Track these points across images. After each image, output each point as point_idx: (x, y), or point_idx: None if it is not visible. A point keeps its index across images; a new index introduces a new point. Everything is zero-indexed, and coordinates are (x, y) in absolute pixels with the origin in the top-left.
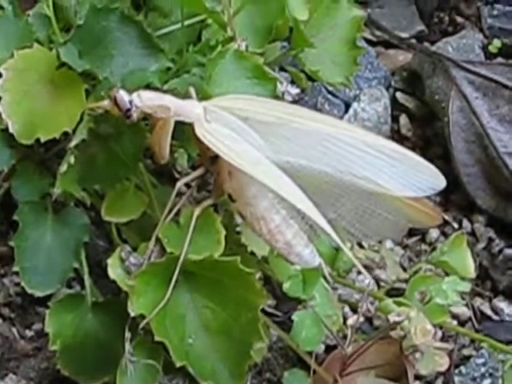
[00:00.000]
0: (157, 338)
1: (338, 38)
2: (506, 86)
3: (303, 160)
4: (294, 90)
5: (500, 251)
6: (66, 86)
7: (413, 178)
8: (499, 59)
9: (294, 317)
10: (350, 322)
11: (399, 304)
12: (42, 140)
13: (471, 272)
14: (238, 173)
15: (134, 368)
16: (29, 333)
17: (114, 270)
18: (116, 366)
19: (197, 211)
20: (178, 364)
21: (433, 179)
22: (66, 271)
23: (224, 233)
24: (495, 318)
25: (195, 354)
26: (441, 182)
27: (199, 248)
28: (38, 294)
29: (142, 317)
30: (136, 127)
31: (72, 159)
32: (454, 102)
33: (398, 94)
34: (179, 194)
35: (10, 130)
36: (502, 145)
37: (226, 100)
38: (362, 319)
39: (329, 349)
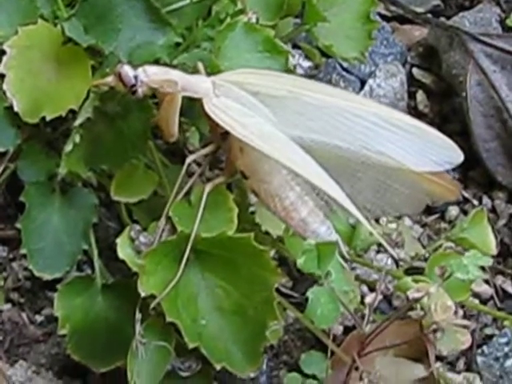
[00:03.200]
0: (169, 319)
1: (352, 12)
2: None
3: (316, 135)
4: (306, 63)
5: None
6: (72, 62)
7: (429, 152)
8: None
9: (309, 293)
10: (367, 300)
11: (418, 282)
12: (48, 118)
13: (492, 249)
14: (250, 149)
15: (145, 350)
16: (39, 318)
17: (123, 250)
18: (128, 350)
19: (208, 188)
20: (191, 345)
21: (450, 153)
22: (74, 253)
23: (237, 211)
24: None
25: (208, 335)
26: (458, 156)
27: (211, 227)
28: (47, 277)
29: (153, 297)
30: (143, 105)
31: (77, 138)
32: (472, 76)
33: (415, 70)
34: (191, 174)
35: (15, 109)
36: None
37: (235, 74)
38: (380, 298)
39: (347, 330)
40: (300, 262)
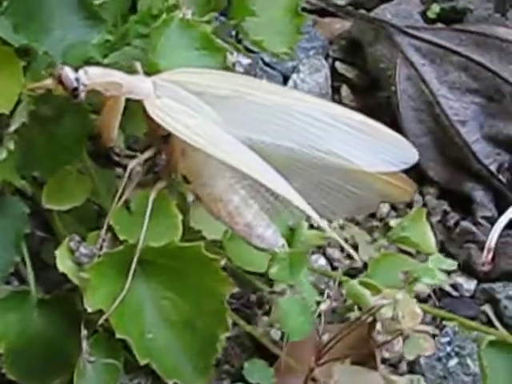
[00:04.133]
0: (118, 336)
1: (280, 7)
2: (454, 52)
3: (265, 136)
4: (246, 60)
5: (456, 224)
6: (1, 63)
7: (383, 151)
8: (439, 25)
9: (281, 304)
10: (322, 307)
11: (365, 285)
12: None
13: (433, 247)
14: (193, 152)
15: (93, 368)
16: None
17: (63, 263)
18: (67, 368)
19: (152, 194)
20: (143, 362)
21: (404, 152)
22: (6, 266)
23: (180, 217)
24: (455, 293)
25: (156, 349)
26: (413, 156)
27: (155, 234)
28: None
29: (98, 312)
30: (79, 108)
31: (12, 145)
32: (401, 70)
33: (338, 64)
34: (119, 178)
35: None
36: (453, 113)
37: (176, 74)
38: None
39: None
40: (273, 271)
